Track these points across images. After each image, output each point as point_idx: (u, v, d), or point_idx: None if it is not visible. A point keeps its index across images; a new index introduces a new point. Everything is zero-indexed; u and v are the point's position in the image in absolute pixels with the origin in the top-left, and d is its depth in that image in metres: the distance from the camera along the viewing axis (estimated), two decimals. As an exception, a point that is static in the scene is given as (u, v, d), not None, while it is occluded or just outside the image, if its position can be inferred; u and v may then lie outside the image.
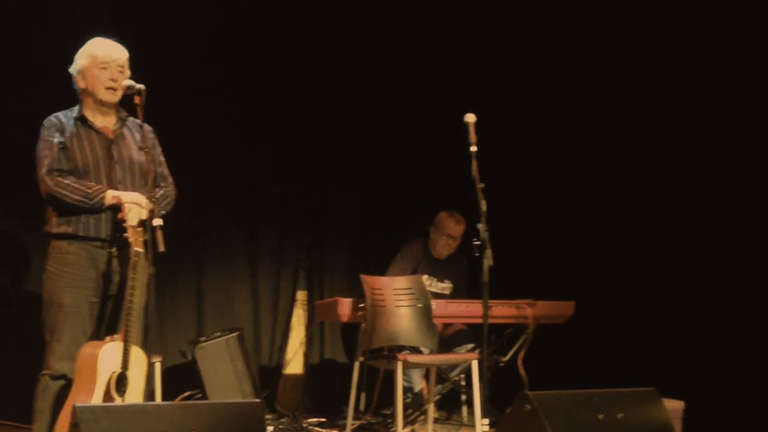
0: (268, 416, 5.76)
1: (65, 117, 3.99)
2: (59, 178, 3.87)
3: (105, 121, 4.03)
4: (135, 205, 3.84)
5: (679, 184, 5.70)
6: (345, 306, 5.24)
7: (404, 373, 5.51)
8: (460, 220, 5.88)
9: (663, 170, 5.78)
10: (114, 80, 3.96)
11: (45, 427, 3.82)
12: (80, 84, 4.00)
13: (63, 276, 3.89)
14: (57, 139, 3.91)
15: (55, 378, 3.84)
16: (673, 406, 4.82)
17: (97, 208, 3.87)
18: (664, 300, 5.66)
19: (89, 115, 4.00)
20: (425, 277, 5.79)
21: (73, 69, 4.02)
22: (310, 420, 5.77)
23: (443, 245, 5.93)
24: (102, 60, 3.96)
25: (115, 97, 3.99)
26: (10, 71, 5.40)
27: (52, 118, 3.99)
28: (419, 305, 5.26)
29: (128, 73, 4.01)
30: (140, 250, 3.76)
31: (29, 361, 4.20)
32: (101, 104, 4.00)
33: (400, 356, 4.90)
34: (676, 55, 5.75)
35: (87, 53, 4.00)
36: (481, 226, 4.18)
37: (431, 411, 5.29)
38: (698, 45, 5.64)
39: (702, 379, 5.28)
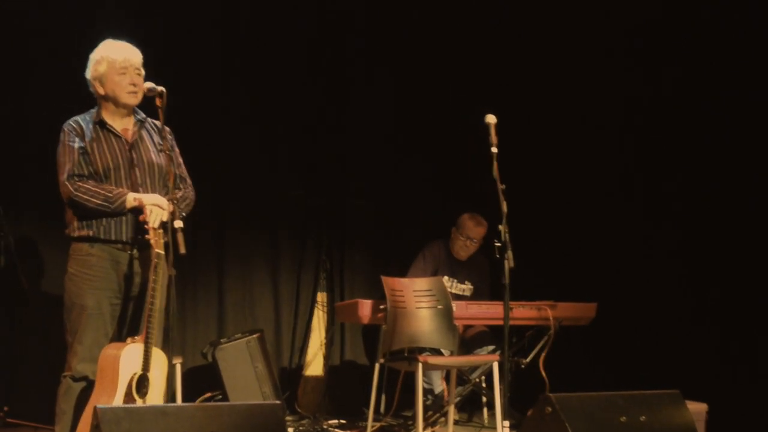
0: (288, 418, 5.76)
1: (84, 121, 4.00)
2: (80, 183, 3.87)
3: (124, 124, 4.04)
4: (156, 207, 3.85)
5: (704, 184, 5.64)
6: (365, 307, 5.23)
7: (425, 375, 5.51)
8: (480, 222, 5.86)
9: (688, 171, 5.73)
10: (135, 84, 3.96)
11: (67, 428, 3.83)
12: (99, 90, 3.99)
13: (85, 278, 3.90)
14: (77, 144, 3.92)
15: (76, 379, 3.85)
16: (697, 408, 4.78)
17: (119, 212, 3.88)
18: (687, 301, 5.62)
19: (108, 118, 4.01)
20: (446, 278, 5.78)
21: (89, 75, 4.00)
22: (330, 421, 5.77)
23: (461, 246, 5.91)
24: (121, 65, 3.95)
25: (137, 99, 4.01)
26: (26, 74, 5.45)
27: (71, 122, 3.99)
28: (440, 307, 5.25)
29: (143, 72, 4.02)
30: (161, 251, 3.77)
31: (51, 363, 4.22)
32: (123, 107, 4.01)
33: (421, 358, 4.88)
34: (693, 53, 5.71)
35: (103, 58, 3.97)
36: (502, 228, 4.16)
37: (452, 413, 5.27)
38: (705, 43, 5.61)
39: (726, 381, 5.24)
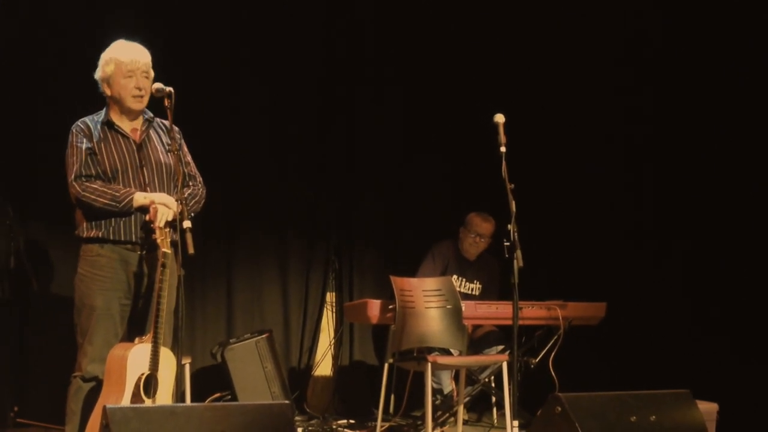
0: (297, 418, 5.76)
1: (92, 122, 4.01)
2: (87, 183, 3.88)
3: (132, 124, 4.05)
4: (163, 206, 3.85)
5: (715, 184, 5.61)
6: (374, 307, 5.23)
7: (434, 375, 5.50)
8: (487, 219, 5.87)
9: (699, 170, 5.70)
10: (140, 88, 3.96)
11: (76, 429, 3.84)
12: (106, 91, 4.00)
13: (95, 279, 3.91)
14: (85, 144, 3.93)
15: (86, 380, 3.86)
16: (707, 408, 4.76)
17: (126, 211, 3.89)
18: (698, 301, 5.59)
19: (116, 119, 4.02)
20: (454, 277, 5.77)
21: (98, 75, 4.02)
22: (339, 421, 5.77)
23: (470, 243, 5.91)
24: (128, 68, 3.94)
25: (143, 103, 4.01)
26: (40, 75, 5.46)
27: (79, 123, 4.00)
28: (449, 306, 5.24)
29: (152, 74, 4.01)
30: (168, 251, 3.77)
31: (61, 364, 4.23)
32: (129, 111, 4.01)
33: (430, 358, 4.88)
34: (712, 52, 5.69)
35: (111, 60, 3.98)
36: (511, 227, 4.16)
37: (461, 413, 5.27)
38: (722, 46, 5.59)
39: (736, 381, 5.21)
